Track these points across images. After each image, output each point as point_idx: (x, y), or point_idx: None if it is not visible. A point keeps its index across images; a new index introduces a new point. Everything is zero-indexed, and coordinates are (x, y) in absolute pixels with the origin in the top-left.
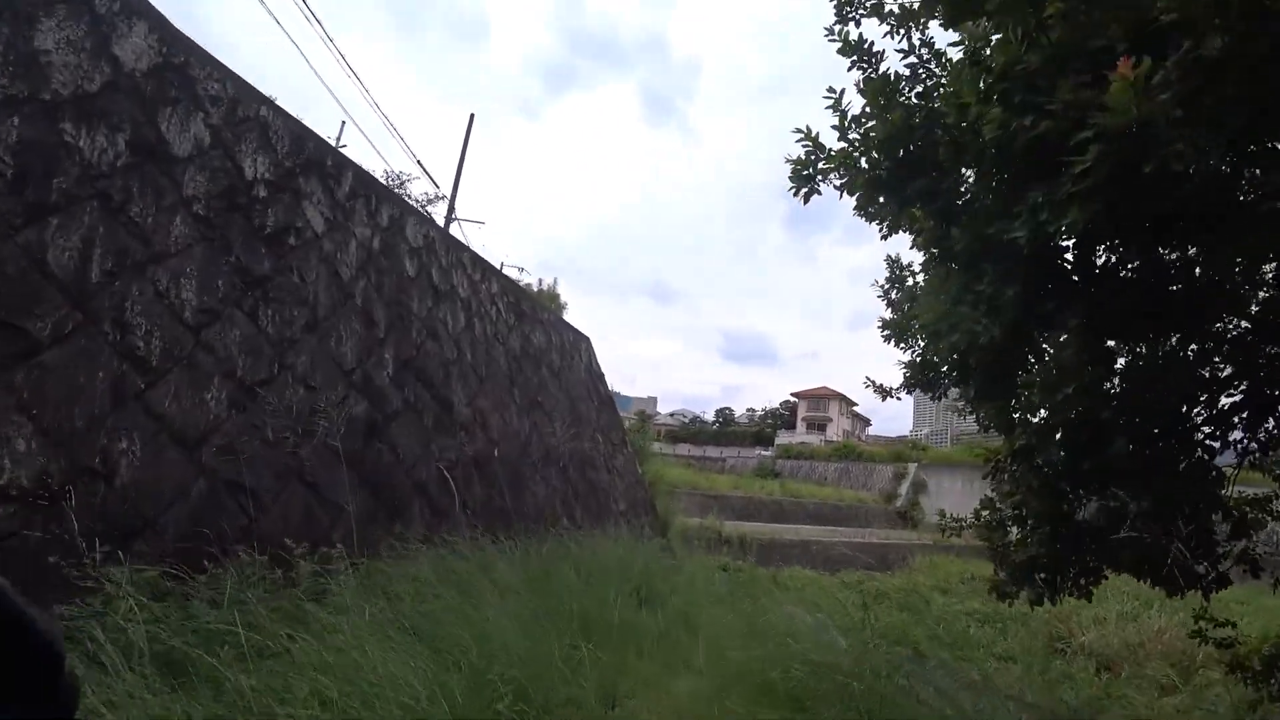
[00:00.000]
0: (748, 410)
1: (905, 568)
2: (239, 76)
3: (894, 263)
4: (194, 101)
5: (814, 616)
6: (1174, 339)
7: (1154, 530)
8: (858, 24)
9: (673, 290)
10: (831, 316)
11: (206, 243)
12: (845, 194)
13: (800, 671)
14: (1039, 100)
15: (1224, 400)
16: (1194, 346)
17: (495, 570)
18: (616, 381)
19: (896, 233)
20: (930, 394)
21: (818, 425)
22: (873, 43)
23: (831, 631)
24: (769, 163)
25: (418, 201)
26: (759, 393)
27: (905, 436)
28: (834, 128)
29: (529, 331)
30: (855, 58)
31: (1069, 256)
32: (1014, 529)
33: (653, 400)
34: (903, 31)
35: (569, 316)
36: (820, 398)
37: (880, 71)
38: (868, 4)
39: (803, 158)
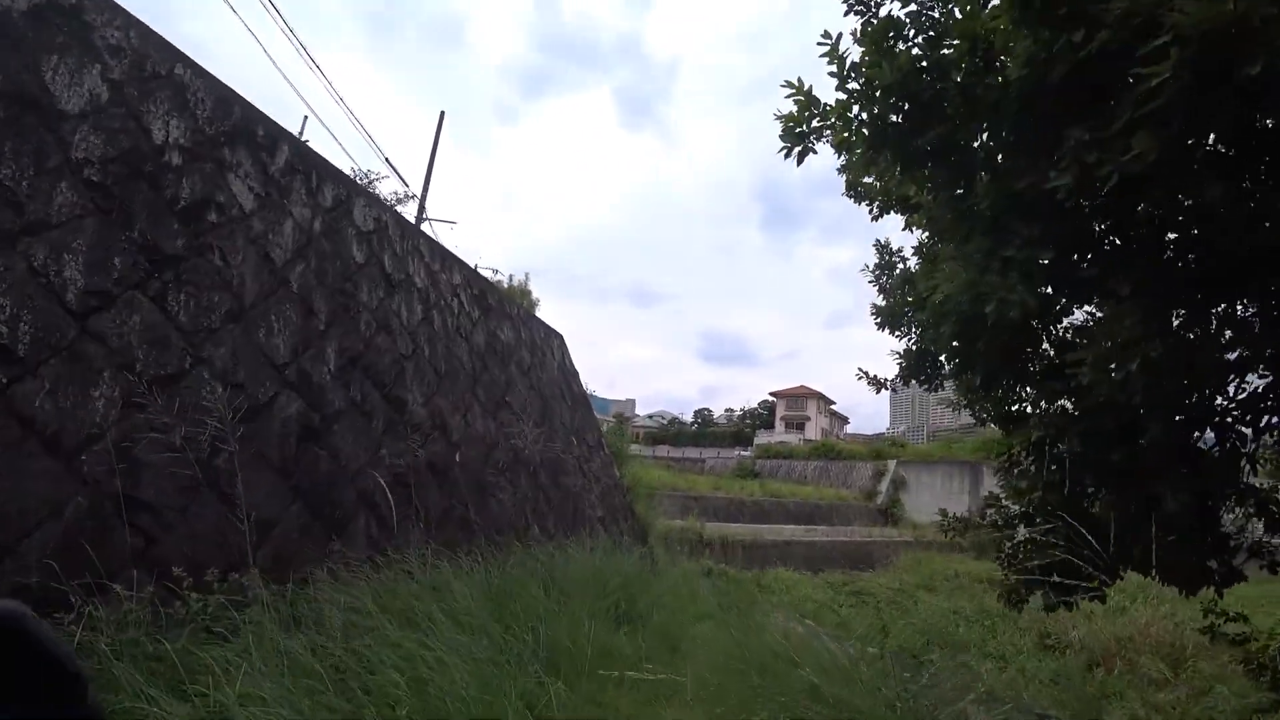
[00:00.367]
0: (726, 411)
1: (889, 566)
2: (149, 27)
3: (884, 248)
4: (88, 51)
5: (803, 625)
6: (1220, 307)
7: (1185, 526)
8: None
9: (652, 293)
10: (809, 316)
11: (101, 214)
12: (842, 153)
13: (814, 715)
14: (1093, 9)
15: (1255, 380)
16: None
17: (450, 593)
18: (595, 385)
19: (889, 212)
20: (926, 385)
21: (796, 424)
22: None
23: (822, 638)
24: (749, 164)
25: (388, 201)
26: (738, 393)
27: (883, 434)
28: (831, 74)
29: (496, 327)
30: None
31: (1107, 216)
32: (1022, 528)
33: (631, 403)
34: None
35: (542, 316)
36: (798, 397)
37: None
38: None
39: (794, 113)
